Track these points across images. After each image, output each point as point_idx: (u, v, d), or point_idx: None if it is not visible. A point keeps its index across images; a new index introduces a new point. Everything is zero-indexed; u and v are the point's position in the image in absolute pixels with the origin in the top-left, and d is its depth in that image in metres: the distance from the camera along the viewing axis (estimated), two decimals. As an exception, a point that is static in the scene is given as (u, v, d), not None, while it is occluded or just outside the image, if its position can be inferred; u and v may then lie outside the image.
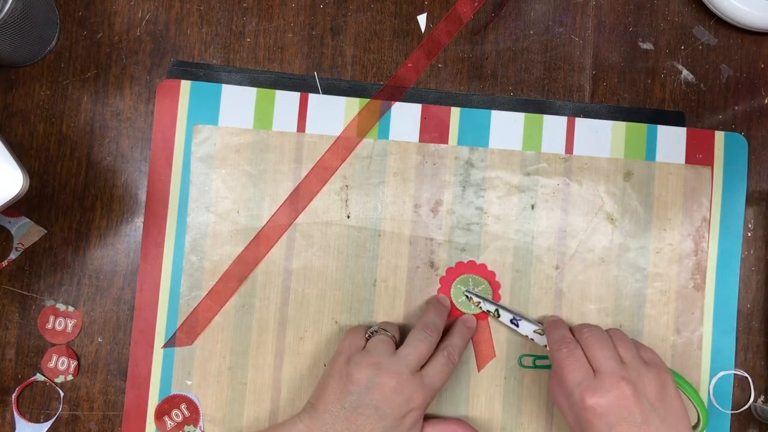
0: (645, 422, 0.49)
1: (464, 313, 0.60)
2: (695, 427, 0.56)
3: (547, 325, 0.57)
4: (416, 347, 0.54)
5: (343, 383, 0.53)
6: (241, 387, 0.59)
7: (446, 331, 0.58)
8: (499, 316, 0.59)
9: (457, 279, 0.60)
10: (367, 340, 0.55)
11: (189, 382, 0.58)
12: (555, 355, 0.54)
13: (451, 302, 0.60)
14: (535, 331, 0.58)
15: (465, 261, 0.60)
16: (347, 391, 0.52)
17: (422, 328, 0.55)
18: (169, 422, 0.58)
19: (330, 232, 0.60)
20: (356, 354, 0.54)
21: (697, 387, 0.61)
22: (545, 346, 0.57)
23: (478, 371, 0.60)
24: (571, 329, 0.56)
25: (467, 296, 0.60)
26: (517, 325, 0.58)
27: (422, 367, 0.54)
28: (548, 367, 0.60)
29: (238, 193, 0.59)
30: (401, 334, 0.57)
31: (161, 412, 0.58)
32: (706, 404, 0.61)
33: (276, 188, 0.60)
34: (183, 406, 0.58)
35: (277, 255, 0.59)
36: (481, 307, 0.59)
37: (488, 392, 0.60)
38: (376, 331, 0.55)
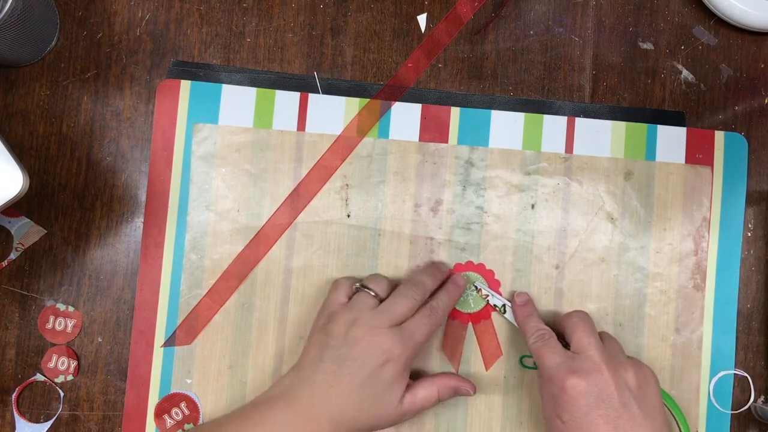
0: (623, 407, 0.50)
1: (463, 314, 0.60)
2: None
3: (518, 314, 0.58)
4: (398, 303, 0.54)
5: (323, 338, 0.53)
6: (241, 386, 0.59)
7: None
8: (505, 312, 0.59)
9: None
10: (351, 296, 0.56)
11: (189, 381, 0.58)
12: (533, 347, 0.55)
13: None
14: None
15: (463, 262, 0.60)
16: (327, 345, 0.53)
17: (409, 284, 0.56)
18: (169, 421, 0.58)
19: (330, 231, 0.60)
20: (337, 310, 0.54)
21: (697, 387, 0.61)
22: None
23: (486, 370, 0.60)
24: (562, 317, 0.57)
25: (476, 288, 0.60)
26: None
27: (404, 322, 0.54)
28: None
29: (238, 192, 0.59)
30: (395, 286, 0.57)
31: (161, 411, 0.58)
32: (706, 405, 0.61)
33: (276, 187, 0.60)
34: (183, 405, 0.58)
35: (277, 254, 0.59)
36: (488, 301, 0.59)
37: (488, 392, 0.60)
38: (360, 288, 0.56)
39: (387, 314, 0.53)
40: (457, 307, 0.60)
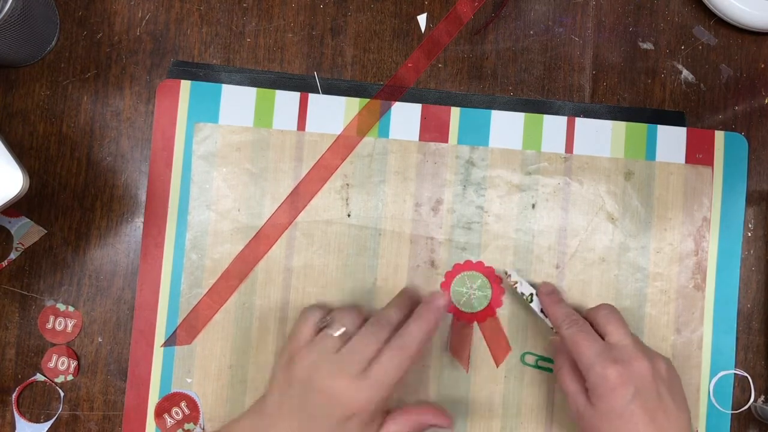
0: (659, 397, 0.50)
1: (468, 314, 0.60)
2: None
3: (546, 302, 0.57)
4: (362, 343, 0.50)
5: (284, 382, 0.50)
6: (241, 385, 0.59)
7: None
8: (531, 301, 0.59)
9: (455, 280, 0.60)
10: (320, 330, 0.52)
11: (189, 380, 0.58)
12: (566, 333, 0.53)
13: (454, 306, 0.60)
14: None
15: (461, 262, 0.60)
16: (287, 393, 0.50)
17: (375, 321, 0.51)
18: (169, 420, 0.58)
19: (331, 230, 0.60)
20: (299, 350, 0.50)
21: (697, 387, 0.61)
22: None
23: (497, 366, 0.60)
24: (590, 309, 0.56)
25: (506, 273, 0.59)
26: (546, 316, 0.58)
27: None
28: (550, 370, 0.60)
29: (239, 192, 0.59)
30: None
31: (161, 410, 0.58)
32: (706, 404, 0.61)
33: (277, 187, 0.60)
34: (183, 404, 0.58)
35: (277, 253, 0.59)
36: (516, 288, 0.59)
37: (488, 391, 0.60)
38: (327, 325, 0.51)
39: (350, 358, 0.49)
40: (462, 308, 0.60)
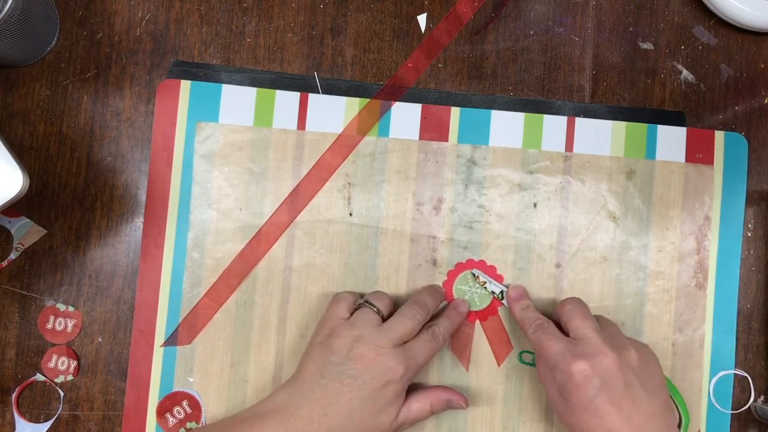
0: (627, 387, 0.50)
1: (473, 313, 0.60)
2: (678, 425, 0.56)
3: (513, 308, 0.58)
4: (401, 323, 0.54)
5: (324, 353, 0.53)
6: (243, 384, 0.59)
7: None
8: (503, 298, 0.59)
9: (457, 279, 0.60)
10: (353, 311, 0.55)
11: (191, 380, 0.58)
12: (532, 337, 0.55)
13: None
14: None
15: (464, 261, 0.60)
16: (327, 361, 0.52)
17: (411, 304, 0.56)
18: (171, 419, 0.58)
19: (332, 229, 0.60)
20: (339, 325, 0.54)
21: (698, 387, 0.61)
22: None
23: (498, 366, 0.60)
24: (557, 306, 0.57)
25: (474, 275, 0.59)
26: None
27: (406, 342, 0.54)
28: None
29: (240, 191, 0.59)
30: (396, 307, 0.57)
31: (163, 410, 0.58)
32: (706, 404, 0.61)
33: (278, 186, 0.60)
34: (185, 403, 0.58)
35: (279, 252, 0.59)
36: (486, 288, 0.59)
37: (489, 391, 0.60)
38: (363, 304, 0.55)
39: (391, 333, 0.53)
40: None
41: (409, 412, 0.54)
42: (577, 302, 0.56)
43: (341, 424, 0.51)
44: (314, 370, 0.53)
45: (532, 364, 0.60)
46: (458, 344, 0.60)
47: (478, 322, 0.60)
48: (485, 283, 0.59)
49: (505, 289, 0.59)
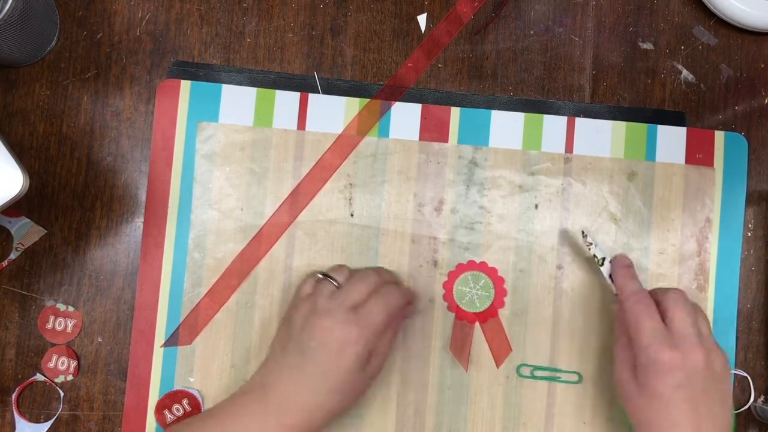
0: (705, 392, 0.50)
1: (470, 314, 0.60)
2: None
3: (619, 273, 0.57)
4: (353, 286, 0.54)
5: (285, 329, 0.54)
6: (244, 384, 0.59)
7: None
8: (602, 264, 0.58)
9: (458, 279, 0.60)
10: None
11: (191, 380, 0.58)
12: (631, 308, 0.53)
13: (456, 305, 0.60)
14: None
15: (465, 262, 0.60)
16: (289, 336, 0.54)
17: (361, 273, 0.56)
18: (169, 416, 0.58)
19: (333, 230, 0.60)
20: (300, 300, 0.55)
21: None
22: None
23: (497, 367, 0.60)
24: (658, 291, 0.56)
25: (582, 233, 0.59)
26: (613, 282, 0.58)
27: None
28: (547, 378, 0.60)
29: (242, 191, 0.59)
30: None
31: (162, 406, 0.58)
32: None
33: (279, 186, 0.60)
34: (185, 402, 0.58)
35: (279, 253, 0.59)
36: (590, 249, 0.58)
37: (490, 392, 0.60)
38: (320, 278, 0.56)
39: (341, 298, 0.53)
40: (464, 307, 0.60)
41: (377, 360, 0.54)
42: (682, 294, 0.54)
43: (311, 395, 0.51)
44: (278, 348, 0.54)
45: (531, 377, 0.60)
46: (457, 345, 0.60)
47: (477, 323, 0.60)
48: (591, 244, 0.58)
49: (607, 257, 0.58)
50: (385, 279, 0.56)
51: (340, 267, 0.57)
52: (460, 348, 0.60)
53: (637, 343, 0.52)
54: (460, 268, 0.60)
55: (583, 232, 0.59)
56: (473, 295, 0.60)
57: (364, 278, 0.55)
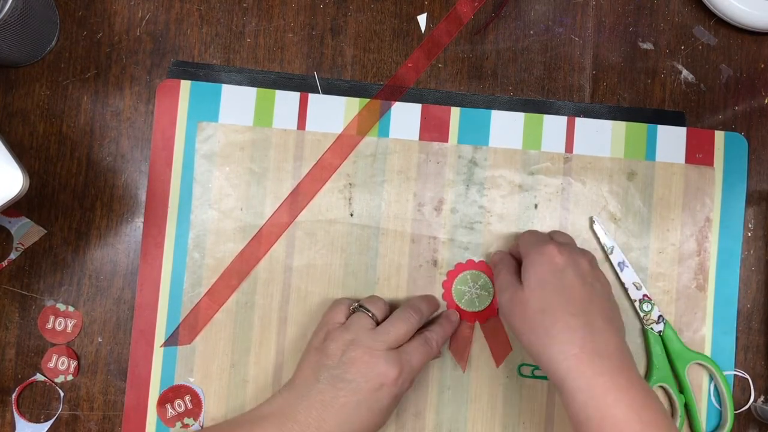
0: (584, 285, 0.52)
1: (469, 313, 0.60)
2: (721, 426, 0.60)
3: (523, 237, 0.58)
4: (395, 326, 0.54)
5: (319, 357, 0.53)
6: (243, 384, 0.59)
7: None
8: (611, 253, 0.59)
9: (457, 279, 0.60)
10: (349, 315, 0.55)
11: (191, 379, 0.58)
12: (495, 270, 0.58)
13: (456, 304, 0.60)
14: (634, 283, 0.59)
15: (464, 261, 0.60)
16: (322, 365, 0.52)
17: (405, 308, 0.55)
18: (170, 411, 0.58)
19: (333, 230, 0.60)
20: (334, 329, 0.54)
21: (699, 387, 0.61)
22: (635, 300, 0.60)
23: (497, 366, 0.60)
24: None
25: (591, 221, 0.60)
26: (621, 270, 0.59)
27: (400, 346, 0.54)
28: (547, 378, 0.60)
29: (241, 191, 0.59)
30: (392, 310, 0.57)
31: (165, 400, 0.58)
32: (706, 404, 0.61)
33: (279, 186, 0.60)
34: (187, 398, 0.58)
35: (279, 252, 0.59)
36: (599, 239, 0.60)
37: (490, 392, 0.60)
38: (357, 308, 0.55)
39: (384, 336, 0.53)
40: (463, 307, 0.60)
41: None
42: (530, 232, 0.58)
43: (336, 427, 0.51)
44: (310, 374, 0.53)
45: (532, 377, 0.60)
46: (457, 345, 0.60)
47: (477, 323, 0.60)
48: (597, 233, 0.60)
49: (615, 246, 0.60)
50: (426, 314, 0.56)
51: (375, 299, 0.57)
52: (459, 347, 0.60)
53: (523, 249, 0.55)
54: (459, 268, 0.60)
55: (591, 219, 0.60)
56: (473, 294, 0.60)
57: (408, 319, 0.54)
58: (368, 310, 0.55)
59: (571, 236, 0.58)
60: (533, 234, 0.57)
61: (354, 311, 0.55)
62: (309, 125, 0.60)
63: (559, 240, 0.55)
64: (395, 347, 0.53)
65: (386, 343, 0.53)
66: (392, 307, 0.58)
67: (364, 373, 0.51)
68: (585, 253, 0.55)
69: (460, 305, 0.60)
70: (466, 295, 0.60)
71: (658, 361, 0.59)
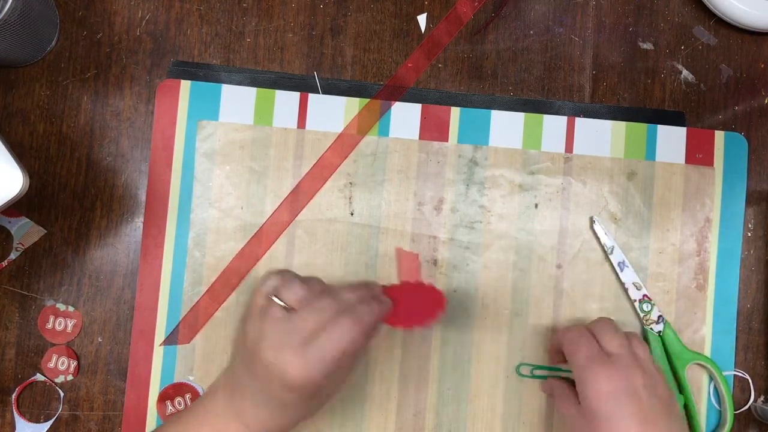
0: (652, 411, 0.49)
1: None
2: (721, 426, 0.59)
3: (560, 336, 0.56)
4: (306, 318, 0.47)
5: (240, 342, 0.49)
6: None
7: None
8: (611, 253, 0.59)
9: None
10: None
11: (191, 378, 0.58)
12: (564, 335, 0.54)
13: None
14: (634, 283, 0.59)
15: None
16: (240, 353, 0.49)
17: (322, 296, 0.49)
18: (170, 407, 0.58)
19: (333, 229, 0.60)
20: (251, 314, 0.49)
21: (699, 387, 0.61)
22: (635, 300, 0.60)
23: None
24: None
25: (592, 220, 0.60)
26: (621, 270, 0.59)
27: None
28: (545, 377, 0.60)
29: (242, 189, 0.59)
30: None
31: (165, 396, 0.58)
32: (706, 404, 0.61)
33: (279, 185, 0.60)
34: (188, 396, 0.58)
35: (279, 251, 0.59)
36: (604, 246, 0.60)
37: (490, 392, 0.60)
38: (271, 298, 0.48)
39: (291, 330, 0.47)
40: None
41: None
42: (611, 321, 0.55)
43: (253, 415, 0.47)
44: (233, 360, 0.50)
45: (531, 376, 0.60)
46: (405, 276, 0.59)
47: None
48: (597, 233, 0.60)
49: (615, 246, 0.60)
50: (347, 303, 0.49)
51: (295, 284, 0.49)
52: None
53: (574, 365, 0.52)
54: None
55: (592, 218, 0.60)
56: None
57: (318, 307, 0.48)
58: (281, 300, 0.48)
59: (612, 320, 0.55)
60: (578, 343, 0.53)
61: (270, 298, 0.49)
62: (309, 125, 0.60)
63: (607, 348, 0.52)
64: (304, 341, 0.46)
65: (294, 337, 0.46)
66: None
67: (269, 374, 0.46)
68: (638, 360, 0.52)
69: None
70: None
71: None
